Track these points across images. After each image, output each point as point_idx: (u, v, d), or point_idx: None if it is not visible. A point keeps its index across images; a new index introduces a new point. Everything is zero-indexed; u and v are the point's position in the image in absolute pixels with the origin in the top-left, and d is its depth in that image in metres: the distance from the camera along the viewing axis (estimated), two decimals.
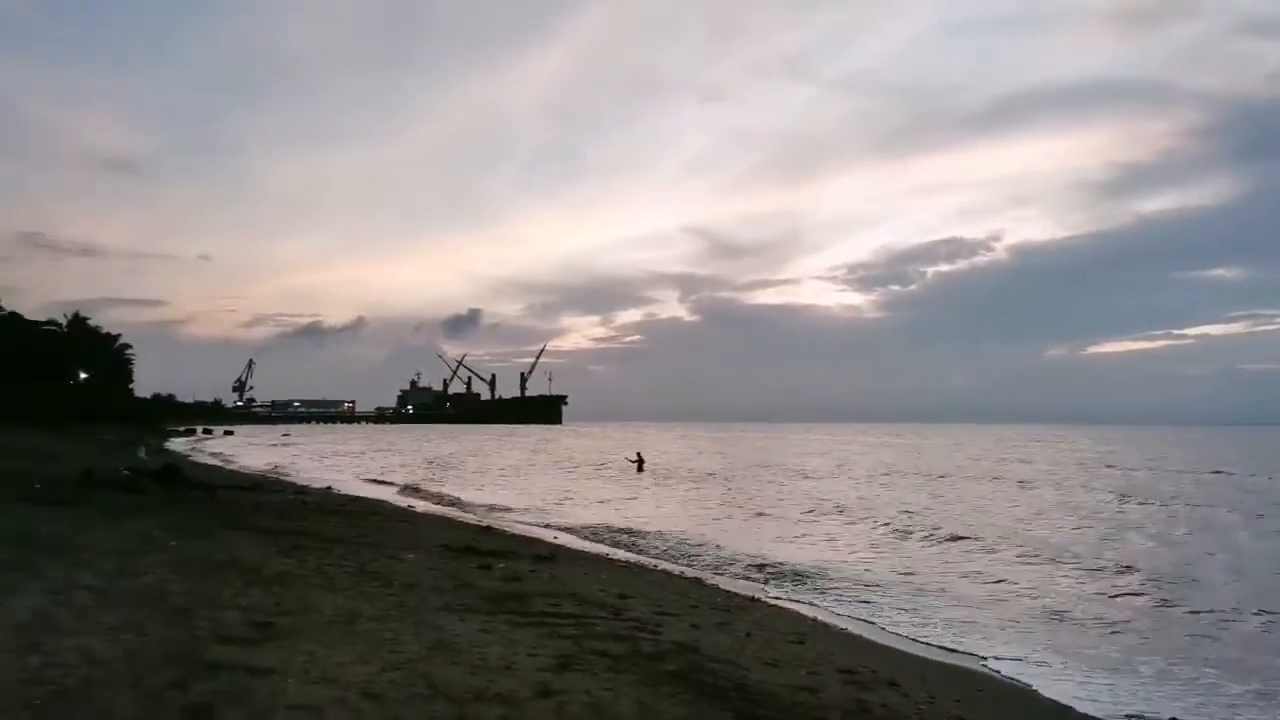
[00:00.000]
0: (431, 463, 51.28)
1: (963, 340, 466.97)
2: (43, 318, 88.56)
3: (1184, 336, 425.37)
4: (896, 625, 11.00)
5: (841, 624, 10.76)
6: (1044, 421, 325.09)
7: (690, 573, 14.35)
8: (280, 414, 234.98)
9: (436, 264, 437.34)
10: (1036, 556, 16.54)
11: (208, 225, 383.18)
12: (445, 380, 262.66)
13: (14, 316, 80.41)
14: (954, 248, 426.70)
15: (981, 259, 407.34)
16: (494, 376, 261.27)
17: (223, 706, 5.03)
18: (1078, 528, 21.29)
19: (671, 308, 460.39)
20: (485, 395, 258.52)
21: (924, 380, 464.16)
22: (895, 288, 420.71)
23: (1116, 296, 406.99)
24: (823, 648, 8.94)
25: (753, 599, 12.06)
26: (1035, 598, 12.80)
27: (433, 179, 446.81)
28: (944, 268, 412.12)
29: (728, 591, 12.61)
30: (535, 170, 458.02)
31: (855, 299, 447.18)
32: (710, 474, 41.59)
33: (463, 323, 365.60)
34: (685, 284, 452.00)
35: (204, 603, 7.83)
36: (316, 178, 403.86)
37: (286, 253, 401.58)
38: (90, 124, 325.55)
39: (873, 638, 9.95)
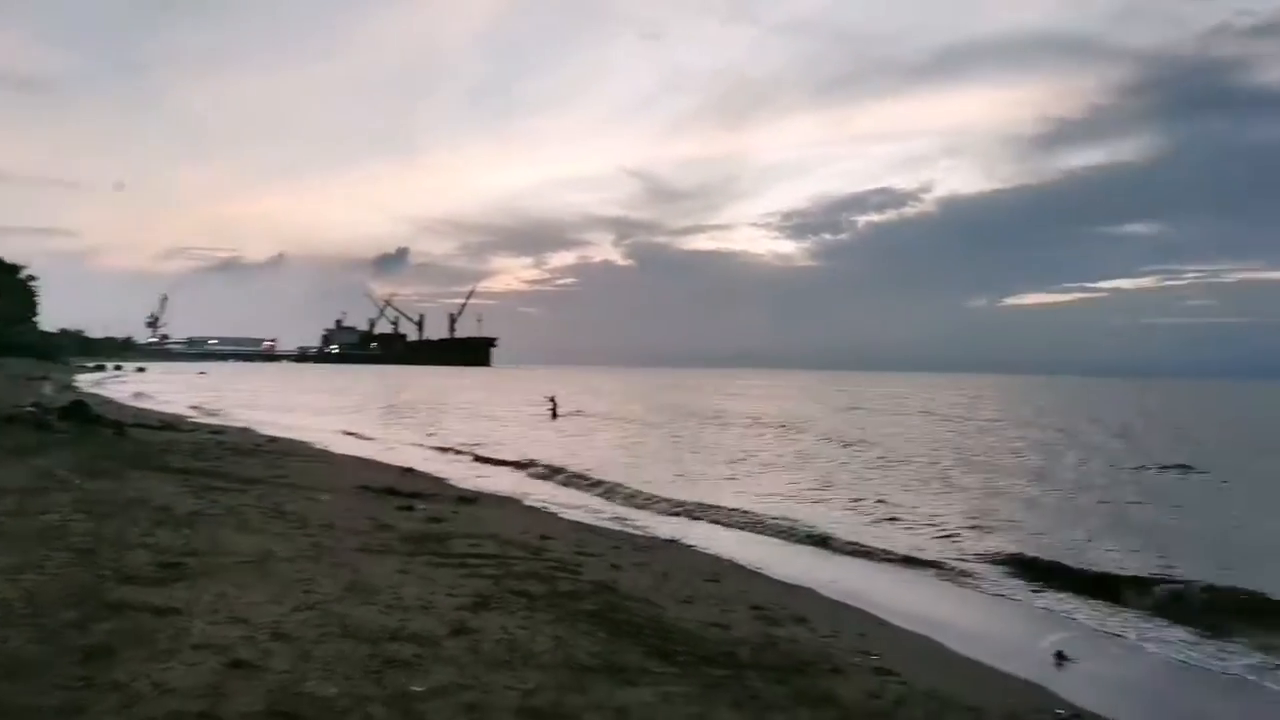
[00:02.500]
0: (357, 404, 50.45)
1: (890, 290, 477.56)
2: None
3: (1098, 290, 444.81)
4: (804, 564, 11.38)
5: (756, 563, 11.07)
6: (966, 370, 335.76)
7: (612, 515, 14.52)
8: (196, 351, 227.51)
9: (364, 199, 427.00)
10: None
11: (121, 151, 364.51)
12: (371, 320, 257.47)
13: None
14: (885, 198, 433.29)
15: (910, 210, 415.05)
16: (422, 317, 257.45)
17: (124, 647, 4.94)
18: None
19: (605, 251, 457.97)
20: (413, 336, 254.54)
21: (853, 329, 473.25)
22: (827, 236, 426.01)
23: (1035, 250, 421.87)
24: (737, 586, 9.19)
25: (673, 540, 12.28)
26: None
27: (362, 109, 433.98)
28: (874, 217, 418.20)
29: (649, 534, 12.82)
30: (468, 104, 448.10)
31: (788, 246, 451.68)
32: (632, 418, 41.90)
33: (390, 261, 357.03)
34: (620, 227, 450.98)
35: (109, 543, 7.63)
36: (237, 102, 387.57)
37: (204, 182, 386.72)
38: None
39: (785, 578, 10.25)
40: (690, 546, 11.93)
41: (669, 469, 21.66)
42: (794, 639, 7.00)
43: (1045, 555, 11.78)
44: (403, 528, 10.25)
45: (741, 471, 21.43)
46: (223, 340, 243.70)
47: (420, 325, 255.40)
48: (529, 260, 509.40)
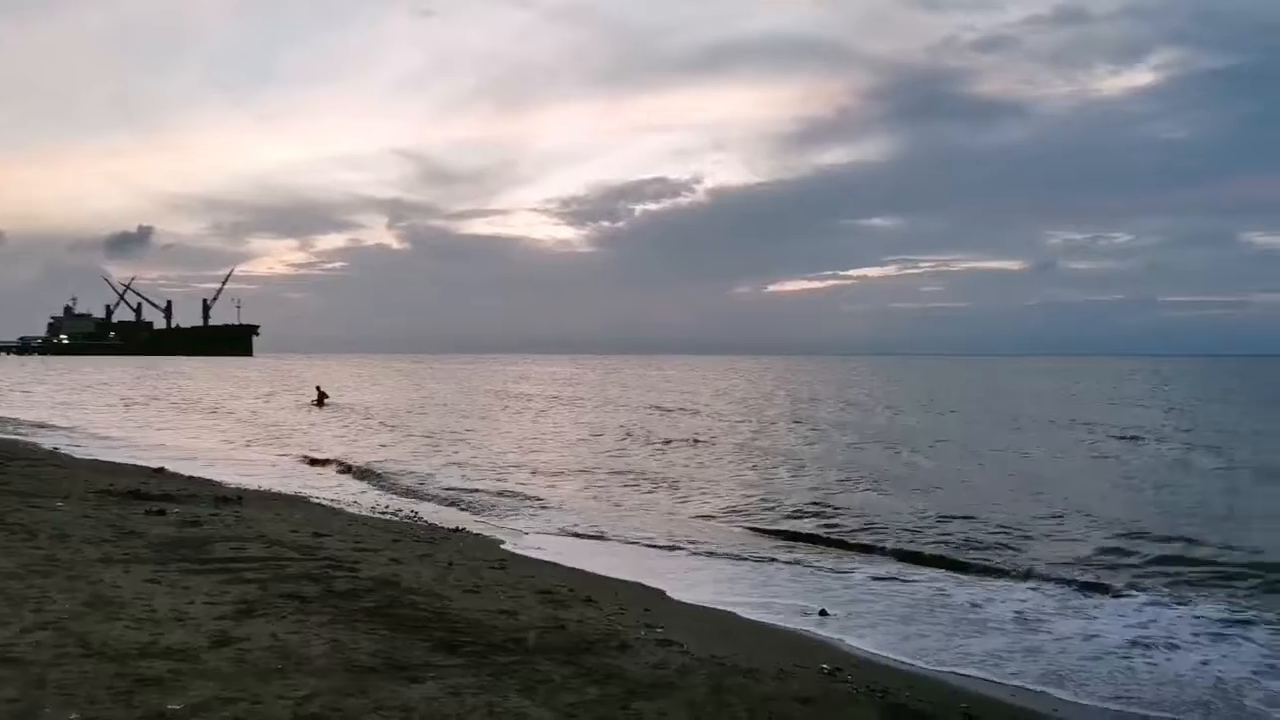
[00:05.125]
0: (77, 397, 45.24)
1: (666, 277, 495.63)
2: None
3: (848, 277, 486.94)
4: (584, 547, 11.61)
5: (541, 547, 11.11)
6: (734, 353, 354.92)
7: (390, 507, 14.02)
8: None
9: (98, 172, 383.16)
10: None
11: None
12: (109, 306, 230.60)
13: None
14: (660, 187, 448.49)
15: (684, 199, 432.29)
16: (170, 303, 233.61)
17: None
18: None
19: (379, 234, 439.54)
20: (160, 324, 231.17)
21: (631, 314, 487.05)
22: (605, 224, 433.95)
23: (794, 240, 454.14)
24: (523, 571, 9.18)
25: (457, 529, 12.07)
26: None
27: (93, 72, 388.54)
28: (651, 206, 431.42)
29: (431, 524, 12.51)
30: (220, 73, 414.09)
31: (568, 233, 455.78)
32: (406, 408, 40.57)
33: (131, 242, 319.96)
34: (394, 209, 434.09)
35: None
36: None
37: None
38: None
39: (570, 560, 10.36)
40: (477, 535, 11.77)
41: (442, 458, 21.22)
42: (582, 619, 7.08)
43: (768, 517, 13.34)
44: (153, 534, 9.31)
45: (524, 456, 21.44)
46: None
47: (168, 312, 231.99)
48: (294, 242, 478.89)
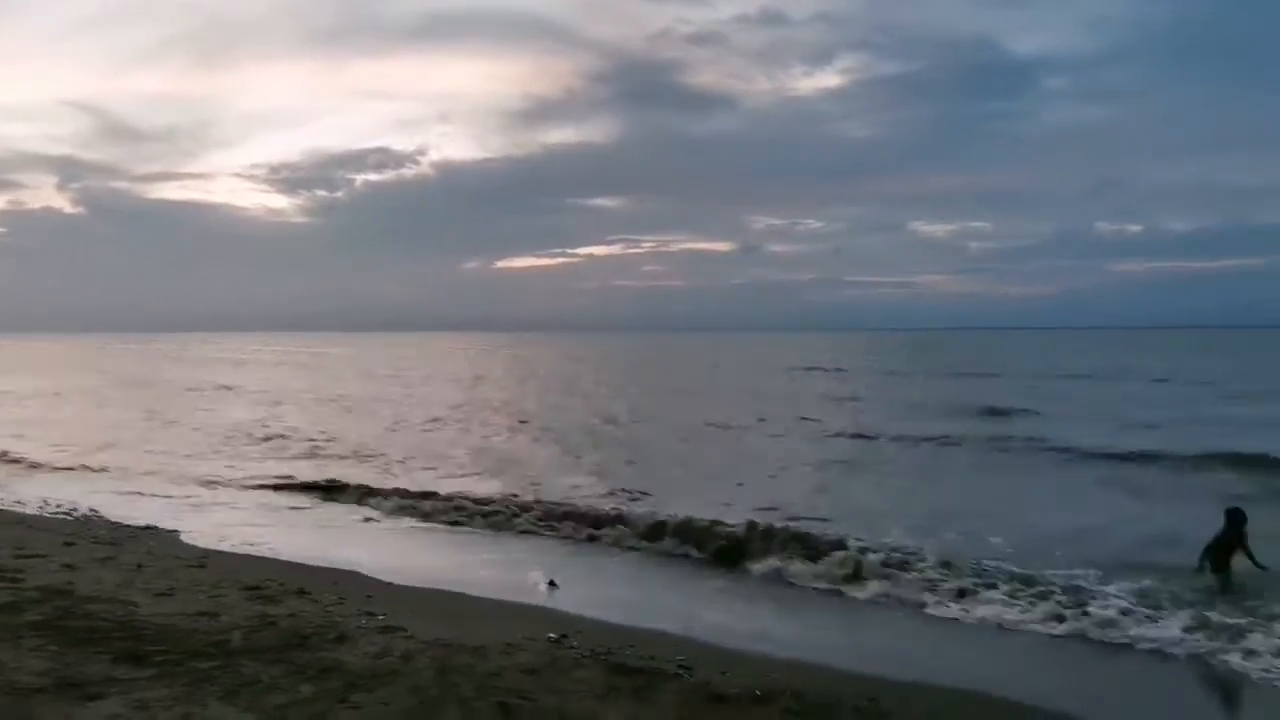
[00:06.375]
0: None
1: (390, 250, 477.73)
2: None
3: (575, 255, 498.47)
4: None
5: (253, 542, 10.32)
6: (462, 329, 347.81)
7: (63, 506, 12.28)
8: None
9: None
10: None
11: None
12: None
13: None
14: (383, 158, 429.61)
15: (409, 171, 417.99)
16: None
17: None
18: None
19: (46, 196, 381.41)
20: None
21: (354, 289, 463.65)
22: (322, 193, 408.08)
23: (523, 217, 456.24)
24: (227, 568, 8.47)
25: (147, 527, 10.87)
26: None
27: None
28: (373, 177, 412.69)
29: (114, 522, 11.15)
30: None
31: (280, 202, 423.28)
32: (73, 396, 35.40)
33: None
34: (66, 169, 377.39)
35: None
36: None
37: None
38: None
39: (280, 553, 9.70)
40: (172, 532, 10.65)
41: (109, 454, 18.75)
42: (295, 614, 6.65)
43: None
44: None
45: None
46: None
47: None
48: None
